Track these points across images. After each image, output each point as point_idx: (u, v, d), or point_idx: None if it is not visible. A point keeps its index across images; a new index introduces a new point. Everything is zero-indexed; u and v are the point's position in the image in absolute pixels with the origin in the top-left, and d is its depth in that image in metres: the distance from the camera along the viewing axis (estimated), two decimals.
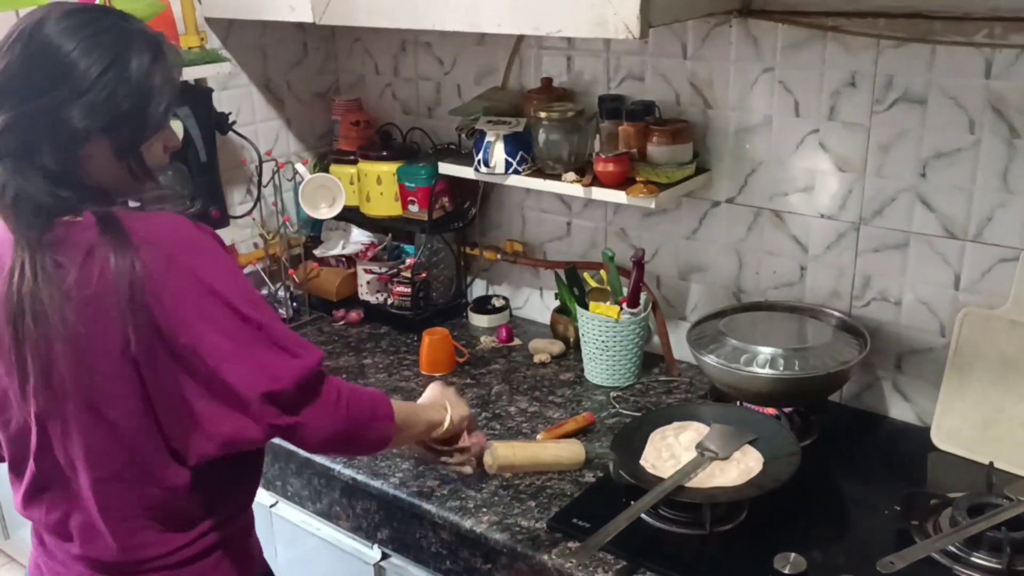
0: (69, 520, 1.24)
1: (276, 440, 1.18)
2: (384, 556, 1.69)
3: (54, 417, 1.18)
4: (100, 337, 1.13)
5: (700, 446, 1.51)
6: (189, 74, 1.96)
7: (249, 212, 2.16)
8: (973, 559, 1.31)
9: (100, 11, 1.20)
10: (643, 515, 1.42)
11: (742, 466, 1.47)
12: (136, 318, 1.12)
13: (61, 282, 1.13)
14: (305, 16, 1.82)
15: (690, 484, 1.43)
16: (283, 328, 1.19)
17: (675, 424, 1.59)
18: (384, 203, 2.18)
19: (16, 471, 1.28)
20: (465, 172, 2.00)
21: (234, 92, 2.19)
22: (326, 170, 2.26)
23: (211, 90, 2.07)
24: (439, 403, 1.46)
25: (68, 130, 1.16)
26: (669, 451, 1.52)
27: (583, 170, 1.83)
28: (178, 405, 1.16)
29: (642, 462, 1.51)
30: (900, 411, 1.75)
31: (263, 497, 1.85)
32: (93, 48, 1.15)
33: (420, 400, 1.49)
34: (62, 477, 1.23)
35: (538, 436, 1.71)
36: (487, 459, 1.42)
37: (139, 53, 1.17)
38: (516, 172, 1.89)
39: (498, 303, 2.26)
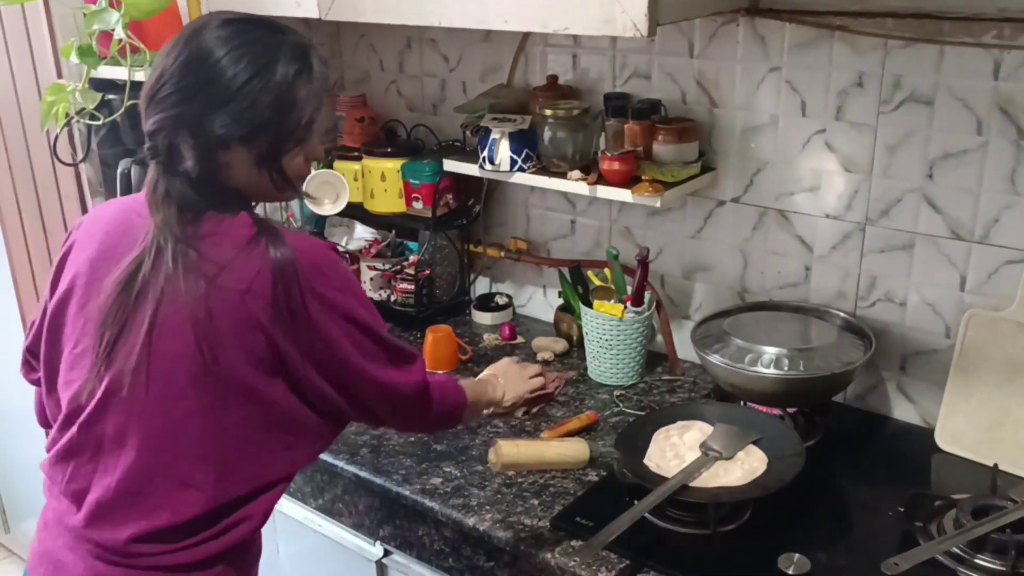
0: (87, 494, 1.24)
1: None
2: (386, 553, 1.69)
3: (125, 393, 1.19)
4: (236, 331, 1.17)
5: (704, 446, 1.51)
6: None
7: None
8: (977, 561, 1.31)
9: (255, 22, 1.23)
10: (647, 514, 1.42)
11: (746, 466, 1.46)
12: (283, 317, 1.17)
13: (207, 272, 1.17)
14: (311, 12, 1.81)
15: (694, 484, 1.43)
16: (396, 342, 1.31)
17: (679, 423, 1.59)
18: (388, 200, 2.18)
19: (60, 429, 1.28)
20: (470, 169, 1.99)
21: None
22: (330, 166, 2.26)
23: None
24: (497, 378, 1.66)
25: (209, 137, 1.19)
26: (673, 450, 1.52)
27: (588, 168, 1.83)
28: (299, 405, 1.24)
29: (646, 461, 1.51)
30: (904, 412, 1.75)
31: None
32: (241, 57, 1.18)
33: (483, 374, 1.69)
34: (98, 450, 1.23)
35: (542, 434, 1.71)
36: (491, 457, 1.42)
37: (285, 64, 1.20)
38: (521, 170, 1.89)
39: (501, 301, 2.26)
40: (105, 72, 1.88)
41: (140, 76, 1.84)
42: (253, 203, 1.28)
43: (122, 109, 1.87)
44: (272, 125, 1.20)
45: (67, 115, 1.89)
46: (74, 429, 1.24)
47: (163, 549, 1.21)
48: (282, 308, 1.17)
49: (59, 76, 1.98)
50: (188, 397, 1.19)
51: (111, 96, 1.91)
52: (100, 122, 1.91)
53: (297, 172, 1.28)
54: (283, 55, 1.20)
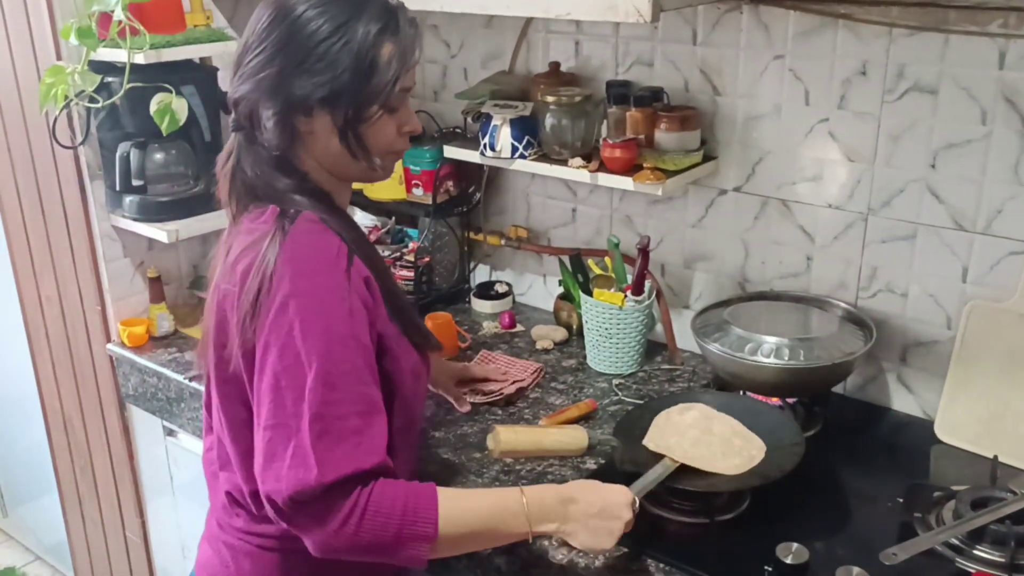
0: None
1: None
2: None
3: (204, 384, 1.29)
4: (231, 330, 1.17)
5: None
6: (194, 53, 1.94)
7: None
8: (976, 552, 1.30)
9: None
10: (646, 503, 1.41)
11: (745, 454, 1.46)
12: (247, 331, 1.14)
13: (226, 260, 1.20)
14: None
15: (692, 470, 1.42)
16: (326, 427, 1.09)
17: (680, 405, 1.57)
18: (388, 186, 2.17)
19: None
20: (470, 156, 1.99)
21: None
22: None
23: (216, 69, 2.06)
24: (568, 504, 1.22)
25: (289, 100, 1.15)
26: (674, 428, 1.50)
27: (589, 156, 1.82)
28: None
29: (645, 442, 1.49)
30: (904, 403, 1.75)
31: None
32: (323, 13, 1.13)
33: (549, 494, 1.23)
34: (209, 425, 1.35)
35: (540, 422, 1.71)
36: (490, 443, 1.42)
37: (368, 22, 1.14)
38: (522, 157, 1.88)
39: (501, 289, 2.25)
40: (105, 54, 1.86)
41: (140, 59, 1.83)
42: (329, 190, 1.24)
43: (121, 92, 1.85)
44: (352, 87, 1.14)
45: (66, 97, 1.88)
46: None
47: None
48: (249, 308, 1.14)
49: (58, 58, 1.97)
50: (212, 390, 1.25)
51: (110, 79, 1.90)
52: (99, 105, 1.90)
53: (386, 143, 1.22)
54: (366, 13, 1.15)
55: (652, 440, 1.50)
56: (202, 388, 1.38)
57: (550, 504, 1.21)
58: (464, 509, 1.17)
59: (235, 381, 1.20)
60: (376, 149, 1.22)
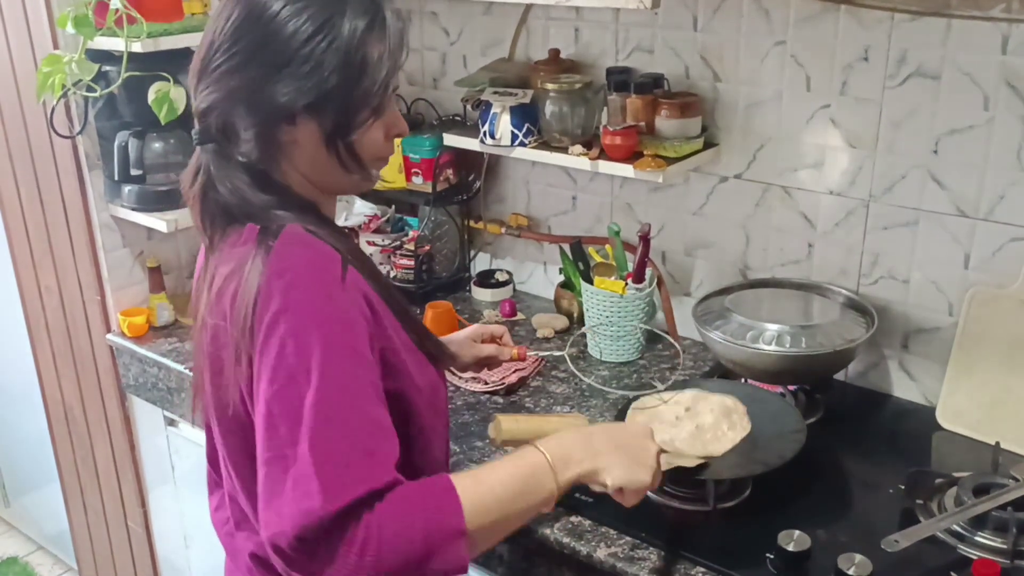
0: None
1: None
2: None
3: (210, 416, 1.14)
4: (226, 369, 1.05)
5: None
6: (192, 41, 1.93)
7: None
8: (978, 538, 1.30)
9: None
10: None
11: (731, 436, 1.45)
12: (242, 363, 1.02)
13: (210, 293, 1.06)
14: None
15: (686, 454, 1.42)
16: (330, 449, 0.93)
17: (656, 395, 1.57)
18: (388, 174, 2.16)
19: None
20: (470, 144, 1.98)
21: None
22: None
23: None
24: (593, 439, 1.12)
25: (271, 109, 1.03)
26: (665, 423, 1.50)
27: (590, 143, 1.82)
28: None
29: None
30: (906, 390, 1.74)
31: None
32: (302, 10, 1.01)
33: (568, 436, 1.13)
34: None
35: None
36: (491, 432, 1.41)
37: (352, 18, 1.02)
38: (522, 144, 1.87)
39: (502, 277, 2.25)
40: (102, 43, 1.85)
41: (137, 47, 1.82)
42: (314, 201, 1.11)
43: (119, 81, 1.85)
44: (341, 91, 1.02)
45: (63, 87, 1.87)
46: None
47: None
48: (239, 336, 1.01)
49: (55, 47, 1.96)
50: (216, 441, 1.15)
51: (108, 67, 1.89)
52: (97, 94, 1.89)
53: (375, 151, 1.10)
54: (350, 7, 1.02)
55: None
56: None
57: (571, 445, 1.09)
58: (486, 485, 1.01)
59: (240, 428, 1.07)
60: (367, 157, 1.10)
